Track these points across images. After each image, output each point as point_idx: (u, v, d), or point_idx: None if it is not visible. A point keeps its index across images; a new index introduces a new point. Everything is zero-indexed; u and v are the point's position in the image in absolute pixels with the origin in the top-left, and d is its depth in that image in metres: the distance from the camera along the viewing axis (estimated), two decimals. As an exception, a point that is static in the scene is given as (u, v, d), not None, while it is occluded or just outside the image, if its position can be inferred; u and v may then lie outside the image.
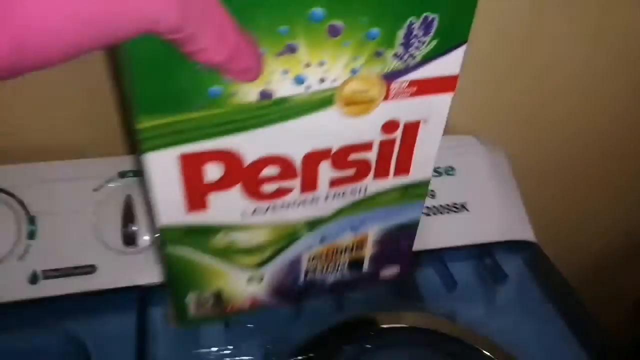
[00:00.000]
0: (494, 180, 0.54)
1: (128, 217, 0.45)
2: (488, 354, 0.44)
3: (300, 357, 0.42)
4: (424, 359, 0.46)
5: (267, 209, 0.36)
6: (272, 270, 0.40)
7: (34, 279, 0.42)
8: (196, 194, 0.33)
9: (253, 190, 0.34)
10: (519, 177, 0.57)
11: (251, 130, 0.31)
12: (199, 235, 0.36)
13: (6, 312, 0.42)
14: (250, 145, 0.32)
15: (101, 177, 0.46)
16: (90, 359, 0.41)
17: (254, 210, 0.35)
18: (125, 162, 0.48)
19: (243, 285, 0.40)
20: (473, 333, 0.46)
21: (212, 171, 0.32)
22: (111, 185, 0.46)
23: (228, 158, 0.32)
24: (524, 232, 0.54)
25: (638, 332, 1.07)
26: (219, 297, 0.41)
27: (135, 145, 0.31)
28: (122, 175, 0.47)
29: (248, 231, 0.37)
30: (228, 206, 0.35)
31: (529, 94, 0.61)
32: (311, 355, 0.42)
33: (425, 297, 0.49)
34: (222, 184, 0.33)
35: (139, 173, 0.47)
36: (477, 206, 0.52)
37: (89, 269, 0.44)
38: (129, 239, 0.45)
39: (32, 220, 0.43)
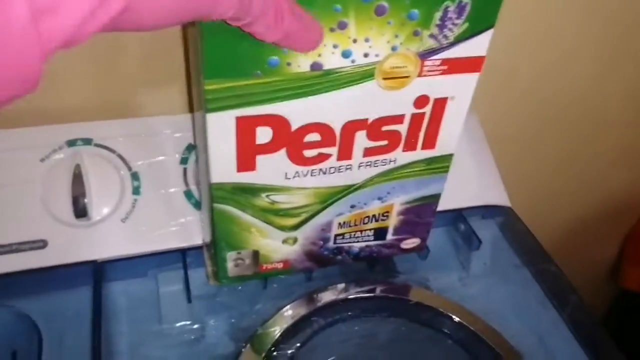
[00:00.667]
0: (467, 145, 0.56)
1: (78, 188, 0.45)
2: (460, 320, 0.46)
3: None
4: (397, 327, 0.48)
5: (306, 174, 0.40)
6: (305, 234, 0.44)
7: None
8: (247, 155, 0.37)
9: (296, 154, 0.38)
10: (494, 143, 0.59)
11: (301, 99, 0.35)
12: (245, 194, 0.39)
13: None
14: (298, 112, 0.36)
15: (48, 146, 0.46)
16: (41, 337, 0.42)
17: (295, 174, 0.39)
18: (74, 130, 0.47)
19: (278, 246, 0.44)
20: (445, 300, 0.48)
21: (263, 134, 0.36)
22: (59, 155, 0.46)
23: (278, 123, 0.36)
24: (499, 196, 0.57)
25: (610, 301, 1.11)
26: (255, 257, 0.45)
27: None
28: (71, 144, 0.47)
29: (288, 193, 0.40)
30: (273, 168, 0.39)
31: (504, 57, 0.62)
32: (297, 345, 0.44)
33: (398, 265, 0.52)
34: (270, 147, 0.37)
35: (88, 141, 0.47)
36: (450, 171, 0.51)
37: (40, 244, 0.44)
38: (81, 212, 0.44)
39: None
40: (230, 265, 0.44)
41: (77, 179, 0.46)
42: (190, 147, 0.51)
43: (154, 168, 0.50)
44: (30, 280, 0.45)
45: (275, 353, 0.44)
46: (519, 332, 0.47)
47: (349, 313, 0.47)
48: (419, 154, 0.42)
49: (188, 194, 0.50)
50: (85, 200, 0.46)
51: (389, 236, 0.48)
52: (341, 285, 0.48)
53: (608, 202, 0.93)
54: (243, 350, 0.44)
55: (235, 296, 0.48)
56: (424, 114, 0.39)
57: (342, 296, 0.48)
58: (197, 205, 0.49)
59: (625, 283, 1.05)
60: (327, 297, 0.47)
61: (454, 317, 0.46)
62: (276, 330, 0.45)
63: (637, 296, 1.02)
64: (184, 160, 0.50)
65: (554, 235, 0.93)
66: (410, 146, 0.41)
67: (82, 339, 0.43)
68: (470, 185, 0.56)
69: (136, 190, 0.49)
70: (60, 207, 0.46)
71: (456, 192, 0.51)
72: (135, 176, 0.49)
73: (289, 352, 0.44)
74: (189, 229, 0.49)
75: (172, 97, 0.53)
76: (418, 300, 0.47)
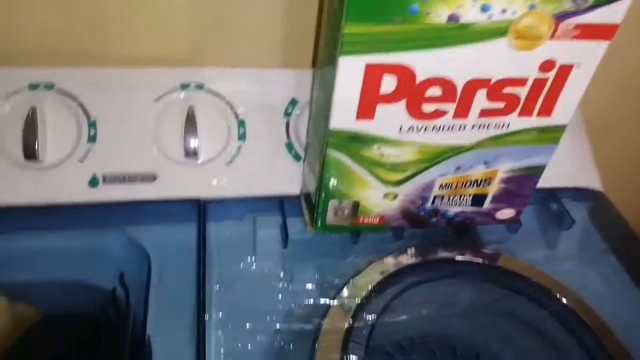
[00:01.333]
0: None
1: (190, 129, 0.47)
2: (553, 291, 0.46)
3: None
4: (487, 293, 0.48)
5: (420, 129, 0.40)
6: (406, 191, 0.45)
7: (94, 183, 0.46)
8: (368, 103, 0.38)
9: (415, 108, 0.39)
10: (589, 125, 0.58)
11: (432, 50, 0.36)
12: (358, 143, 0.41)
13: (66, 214, 0.46)
14: (426, 63, 0.36)
15: (163, 87, 0.48)
16: (150, 263, 0.45)
17: (410, 128, 0.40)
18: (188, 74, 0.49)
19: (379, 200, 0.45)
20: (538, 271, 0.48)
21: (388, 83, 0.37)
22: (173, 95, 0.48)
23: (404, 73, 0.37)
24: (591, 180, 0.56)
25: None
26: (355, 208, 0.46)
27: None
28: (184, 87, 0.49)
29: (399, 147, 0.41)
30: (390, 120, 0.39)
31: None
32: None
33: (485, 237, 0.52)
34: (391, 98, 0.38)
35: (201, 86, 0.49)
36: None
37: (149, 177, 0.47)
38: (190, 151, 0.47)
39: (92, 124, 0.47)
40: (330, 213, 0.46)
41: (190, 121, 0.48)
42: (295, 101, 0.52)
43: (260, 118, 0.51)
44: (142, 210, 0.48)
45: (364, 306, 0.45)
46: (609, 312, 0.46)
47: (438, 273, 0.47)
48: (534, 121, 0.42)
49: (289, 146, 0.51)
50: (196, 142, 0.48)
51: (487, 204, 0.48)
52: (431, 247, 0.49)
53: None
54: (332, 302, 0.45)
55: (328, 246, 0.49)
56: (547, 79, 0.39)
57: (431, 257, 0.48)
58: (297, 157, 0.51)
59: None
60: (416, 257, 0.48)
61: (545, 286, 0.46)
62: (366, 286, 0.46)
63: None
64: (287, 114, 0.52)
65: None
66: (526, 112, 0.41)
67: (186, 270, 0.45)
68: (564, 166, 0.56)
69: (242, 137, 0.50)
70: (171, 145, 0.48)
71: (549, 171, 0.51)
72: (242, 124, 0.51)
73: (378, 303, 0.45)
74: (287, 178, 0.50)
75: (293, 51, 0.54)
76: (508, 268, 0.47)
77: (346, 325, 0.42)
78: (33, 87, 0.47)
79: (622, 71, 0.65)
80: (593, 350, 0.43)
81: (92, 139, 0.48)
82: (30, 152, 0.45)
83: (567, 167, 0.56)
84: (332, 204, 0.45)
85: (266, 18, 0.51)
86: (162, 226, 0.48)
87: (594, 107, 0.64)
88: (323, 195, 0.44)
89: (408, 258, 0.48)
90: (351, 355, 0.40)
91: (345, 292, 0.45)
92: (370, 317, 0.43)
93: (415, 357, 0.49)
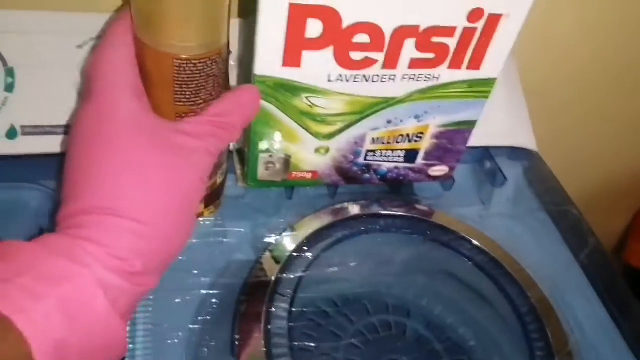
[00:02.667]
0: (502, 87, 0.54)
1: None
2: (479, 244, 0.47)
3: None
4: (417, 245, 0.49)
5: (349, 78, 0.40)
6: (337, 145, 0.44)
7: (11, 134, 0.44)
8: (294, 48, 0.37)
9: (343, 55, 0.38)
10: (527, 89, 0.59)
11: (357, -8, 0.34)
12: (286, 92, 0.39)
13: None
14: (352, 6, 0.35)
15: (86, 33, 0.45)
16: None
17: (338, 77, 0.39)
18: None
19: (310, 154, 0.45)
20: (468, 226, 0.49)
21: (313, 27, 0.36)
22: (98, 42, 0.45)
23: (330, 16, 0.36)
24: (527, 139, 0.57)
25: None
26: (286, 163, 0.45)
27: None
28: None
29: (328, 97, 0.40)
30: (317, 68, 0.38)
31: (551, 11, 0.61)
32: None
33: (420, 194, 0.53)
34: (318, 43, 0.37)
35: None
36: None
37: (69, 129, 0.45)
38: None
39: (10, 72, 0.44)
40: (261, 168, 0.45)
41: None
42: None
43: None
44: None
45: (294, 259, 0.44)
46: (534, 265, 0.47)
47: (370, 227, 0.47)
48: (464, 73, 0.41)
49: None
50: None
51: (419, 160, 0.48)
52: (365, 202, 0.49)
53: (627, 174, 0.93)
54: (263, 255, 0.45)
55: (261, 202, 0.48)
56: (475, 29, 0.39)
57: (365, 212, 0.48)
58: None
59: (629, 258, 1.06)
60: (350, 211, 0.48)
61: (474, 241, 0.47)
62: (297, 237, 0.46)
63: (638, 272, 1.03)
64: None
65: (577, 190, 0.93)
66: (456, 63, 0.41)
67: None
68: (500, 125, 0.56)
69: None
70: None
71: (484, 130, 0.51)
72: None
73: (308, 256, 0.44)
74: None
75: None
76: (440, 223, 0.48)
77: (273, 279, 0.41)
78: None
79: (562, 37, 0.66)
80: (517, 301, 0.44)
81: (9, 87, 0.45)
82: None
83: (503, 127, 0.57)
84: (262, 158, 0.44)
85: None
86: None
87: (533, 72, 0.65)
88: (252, 148, 0.43)
89: (341, 213, 0.48)
90: (274, 307, 0.39)
91: (275, 247, 0.45)
92: (299, 270, 0.43)
93: (347, 311, 0.49)
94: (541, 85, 0.71)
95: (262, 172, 0.45)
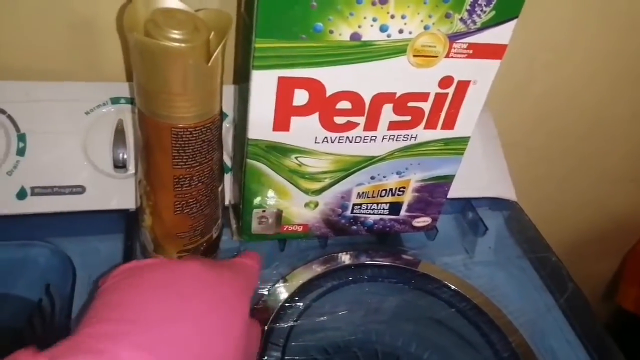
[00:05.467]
0: (480, 140, 0.59)
1: (119, 141, 0.48)
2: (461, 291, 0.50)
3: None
4: (402, 293, 0.51)
5: (334, 140, 0.43)
6: (325, 200, 0.48)
7: (22, 195, 0.46)
8: (283, 115, 0.41)
9: (327, 120, 0.42)
10: (505, 145, 0.62)
11: (338, 66, 0.39)
12: (277, 153, 0.43)
13: None
14: (334, 78, 0.39)
15: (93, 100, 0.49)
16: (75, 273, 0.46)
17: (324, 139, 0.43)
18: (118, 88, 0.50)
19: (300, 209, 0.48)
20: (451, 275, 0.51)
21: (300, 97, 0.40)
22: (103, 109, 0.49)
23: (315, 87, 0.40)
24: (506, 190, 0.60)
25: (606, 319, 1.12)
26: (278, 217, 0.48)
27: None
28: (115, 101, 0.50)
29: (315, 157, 0.44)
30: (305, 131, 0.42)
31: (522, 63, 0.65)
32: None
33: (405, 244, 0.55)
34: (305, 110, 0.41)
35: (131, 101, 0.50)
36: (462, 163, 0.50)
37: (78, 189, 0.48)
38: (119, 163, 0.48)
39: (22, 137, 0.47)
40: (254, 222, 0.48)
41: (119, 134, 0.50)
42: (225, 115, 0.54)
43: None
44: (69, 222, 0.49)
45: (286, 308, 0.47)
46: (516, 310, 0.49)
47: (358, 276, 0.50)
48: (439, 133, 0.45)
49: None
50: (125, 154, 0.49)
51: (403, 212, 0.51)
52: (353, 252, 0.51)
53: (611, 219, 0.96)
54: (256, 306, 0.47)
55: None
56: (447, 94, 0.43)
57: (353, 262, 0.51)
58: (226, 169, 0.53)
59: (621, 302, 1.07)
60: (339, 261, 0.51)
61: (457, 288, 0.49)
62: (288, 291, 0.48)
63: (632, 316, 1.05)
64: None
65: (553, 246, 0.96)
66: (431, 124, 0.44)
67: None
68: (479, 177, 0.60)
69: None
70: (100, 158, 0.50)
71: (466, 183, 0.55)
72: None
73: (299, 306, 0.47)
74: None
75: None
76: (425, 272, 0.50)
77: (266, 328, 0.44)
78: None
79: (537, 89, 0.70)
80: (498, 345, 0.46)
81: (20, 151, 0.49)
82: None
83: (483, 178, 0.60)
84: (256, 213, 0.47)
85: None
86: (89, 237, 0.49)
87: (509, 125, 0.69)
88: (246, 204, 0.46)
89: (331, 263, 0.51)
90: (267, 356, 0.41)
91: (268, 297, 0.47)
92: (290, 320, 0.45)
93: (338, 359, 0.51)
94: (518, 136, 0.75)
95: (255, 226, 0.48)
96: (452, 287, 0.50)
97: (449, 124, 0.45)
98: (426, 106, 0.43)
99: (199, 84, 0.34)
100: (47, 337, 0.48)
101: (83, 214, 0.49)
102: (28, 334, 0.49)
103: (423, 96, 0.42)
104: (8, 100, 0.49)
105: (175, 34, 0.32)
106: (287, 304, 0.46)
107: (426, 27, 0.38)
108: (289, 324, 0.45)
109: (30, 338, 0.49)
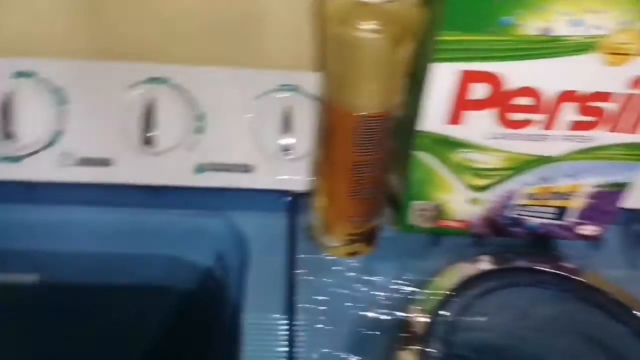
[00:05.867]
0: None
1: (287, 126, 0.52)
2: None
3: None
4: (565, 304, 0.49)
5: (508, 137, 0.42)
6: (489, 197, 0.47)
7: (199, 170, 0.51)
8: (458, 108, 0.41)
9: (504, 115, 0.41)
10: None
11: (522, 61, 0.38)
12: (446, 147, 0.43)
13: (173, 195, 0.51)
14: (516, 73, 0.39)
15: (263, 86, 0.53)
16: (245, 245, 0.49)
17: (498, 135, 0.42)
18: (286, 76, 0.53)
19: (462, 204, 0.48)
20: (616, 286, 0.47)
21: (477, 91, 0.40)
22: (272, 95, 0.52)
23: (493, 81, 0.39)
24: None
25: None
26: (439, 211, 0.48)
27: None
28: (284, 88, 0.52)
29: (485, 153, 0.44)
30: (478, 126, 0.42)
31: None
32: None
33: (566, 253, 0.52)
34: (481, 104, 0.41)
35: (296, 88, 0.53)
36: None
37: (248, 168, 0.52)
38: (285, 148, 0.52)
39: (201, 117, 0.51)
40: (413, 214, 0.49)
41: (287, 119, 0.53)
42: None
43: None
44: (239, 197, 0.53)
45: (441, 308, 0.47)
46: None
47: (515, 280, 0.48)
48: (622, 136, 0.43)
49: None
50: (290, 138, 0.53)
51: (570, 218, 0.49)
52: (511, 255, 0.50)
53: None
54: (412, 300, 0.48)
55: (409, 246, 0.52)
56: (637, 95, 0.40)
57: (510, 265, 0.49)
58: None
59: None
60: (497, 263, 0.49)
61: (627, 304, 0.46)
62: (444, 287, 0.48)
63: None
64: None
65: None
66: (614, 127, 0.42)
67: (277, 254, 0.50)
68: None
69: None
70: (268, 140, 0.53)
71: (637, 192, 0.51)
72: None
73: (458, 306, 0.47)
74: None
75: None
76: (591, 283, 0.48)
77: (425, 320, 0.44)
78: (152, 80, 0.53)
79: None
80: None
81: (199, 130, 0.53)
82: (146, 139, 0.51)
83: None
84: (416, 205, 0.48)
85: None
86: (256, 213, 0.53)
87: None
88: (407, 195, 0.47)
89: (487, 264, 0.50)
90: (430, 349, 0.42)
91: (424, 290, 0.48)
92: (448, 316, 0.45)
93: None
94: None
95: (414, 218, 0.49)
96: (618, 300, 0.47)
97: (636, 127, 0.42)
98: (612, 107, 0.41)
99: (388, 74, 0.35)
100: (216, 302, 0.53)
101: (251, 191, 0.53)
102: (195, 297, 0.54)
103: (610, 96, 0.40)
104: (193, 83, 0.53)
105: (370, 26, 0.34)
106: (443, 301, 0.46)
107: (622, 24, 0.36)
108: (447, 320, 0.45)
109: (197, 301, 0.55)
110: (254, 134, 0.54)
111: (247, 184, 0.53)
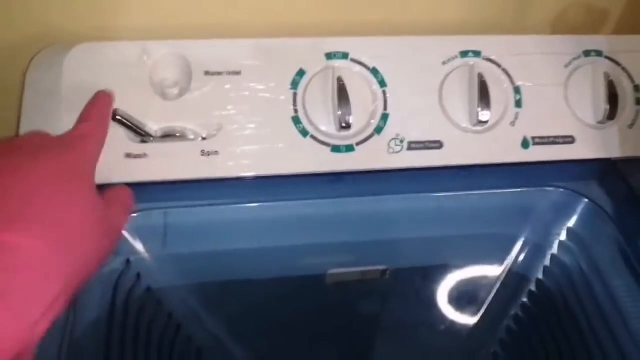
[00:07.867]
0: None
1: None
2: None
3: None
4: None
5: None
6: None
7: (525, 144, 0.48)
8: None
9: None
10: None
11: None
12: None
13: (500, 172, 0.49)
14: None
15: (570, 53, 0.50)
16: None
17: None
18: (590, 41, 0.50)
19: None
20: None
21: None
22: (578, 61, 0.50)
23: None
24: None
25: None
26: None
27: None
28: (587, 54, 0.50)
29: None
30: None
31: None
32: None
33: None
34: None
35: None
36: None
37: (568, 139, 0.49)
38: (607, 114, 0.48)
39: (517, 89, 0.49)
40: None
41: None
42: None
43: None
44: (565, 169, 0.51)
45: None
46: None
47: None
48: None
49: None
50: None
51: None
52: None
53: None
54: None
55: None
56: None
57: None
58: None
59: None
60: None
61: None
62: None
63: None
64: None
65: None
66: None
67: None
68: None
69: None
70: (586, 110, 0.50)
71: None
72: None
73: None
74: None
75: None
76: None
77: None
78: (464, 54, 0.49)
79: None
80: None
81: (518, 103, 0.49)
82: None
83: None
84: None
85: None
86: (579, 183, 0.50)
87: None
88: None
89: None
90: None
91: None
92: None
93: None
94: None
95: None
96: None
97: None
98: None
99: None
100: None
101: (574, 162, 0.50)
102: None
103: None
104: (506, 55, 0.50)
105: None
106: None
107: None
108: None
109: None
110: (566, 103, 0.50)
111: (570, 155, 0.49)
